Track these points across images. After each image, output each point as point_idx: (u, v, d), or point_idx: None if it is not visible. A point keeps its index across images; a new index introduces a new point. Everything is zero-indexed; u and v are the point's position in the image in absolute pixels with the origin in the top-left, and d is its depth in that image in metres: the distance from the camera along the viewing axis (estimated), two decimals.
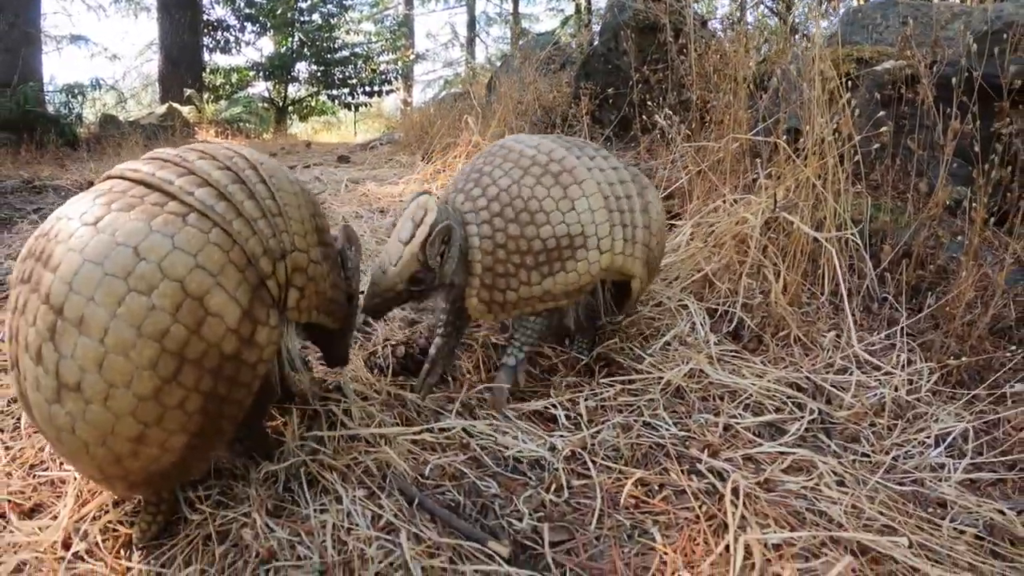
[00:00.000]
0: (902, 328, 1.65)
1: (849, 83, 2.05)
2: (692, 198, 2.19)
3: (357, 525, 0.91)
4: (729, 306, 1.71)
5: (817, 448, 1.24)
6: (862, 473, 1.17)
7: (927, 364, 1.55)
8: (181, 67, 12.33)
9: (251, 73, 14.58)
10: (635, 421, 1.25)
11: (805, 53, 2.15)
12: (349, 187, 3.64)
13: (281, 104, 15.05)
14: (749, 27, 3.78)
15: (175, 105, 11.26)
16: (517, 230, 1.24)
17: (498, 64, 15.96)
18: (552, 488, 1.04)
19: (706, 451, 1.17)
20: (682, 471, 1.11)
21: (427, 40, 20.34)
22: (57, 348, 0.81)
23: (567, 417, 1.26)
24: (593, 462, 1.11)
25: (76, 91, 10.76)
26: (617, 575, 0.87)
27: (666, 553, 0.91)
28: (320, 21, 14.86)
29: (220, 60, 14.38)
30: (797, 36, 3.12)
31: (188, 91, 11.88)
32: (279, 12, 14.07)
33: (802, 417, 1.32)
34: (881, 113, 1.82)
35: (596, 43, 4.35)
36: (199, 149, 1.02)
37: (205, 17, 13.91)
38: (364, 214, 2.87)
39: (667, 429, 1.23)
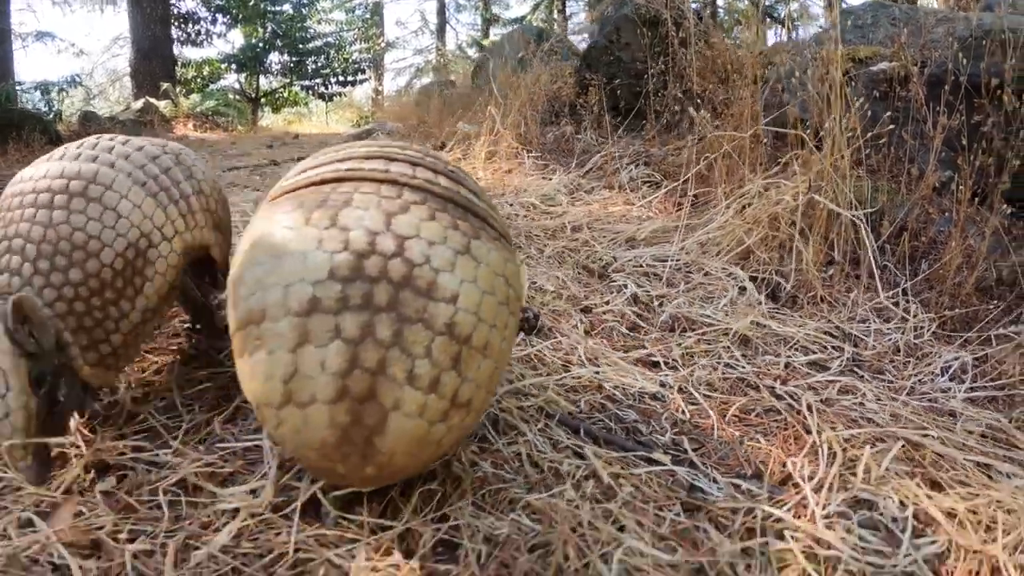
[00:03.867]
0: (903, 289, 2.04)
1: (848, 80, 2.44)
2: (719, 182, 2.56)
3: (543, 451, 1.23)
4: (767, 273, 2.09)
5: (855, 377, 1.61)
6: (891, 394, 1.54)
7: (927, 315, 1.93)
8: (153, 61, 12.25)
9: (223, 65, 14.52)
10: (717, 363, 1.60)
11: (813, 53, 2.52)
12: None
13: (254, 96, 15.01)
14: (721, 11, 4.13)
15: (151, 100, 11.25)
16: (78, 273, 1.06)
17: (471, 51, 16.21)
18: (677, 411, 1.39)
19: (777, 381, 1.53)
20: (764, 396, 1.47)
21: (397, 28, 20.41)
22: (461, 374, 0.86)
23: (664, 363, 1.61)
24: (697, 392, 1.46)
25: (57, 88, 10.74)
26: (741, 466, 1.22)
27: (771, 450, 1.27)
28: (291, 11, 14.83)
29: (191, 53, 14.31)
30: (796, 35, 3.47)
31: (164, 85, 11.85)
32: (250, 3, 14.01)
33: (840, 356, 1.70)
34: (887, 114, 2.19)
35: (597, 36, 4.66)
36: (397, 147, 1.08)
37: (175, 9, 13.79)
38: None
39: (743, 367, 1.59)
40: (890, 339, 1.82)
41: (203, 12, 14.14)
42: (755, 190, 2.31)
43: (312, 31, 15.29)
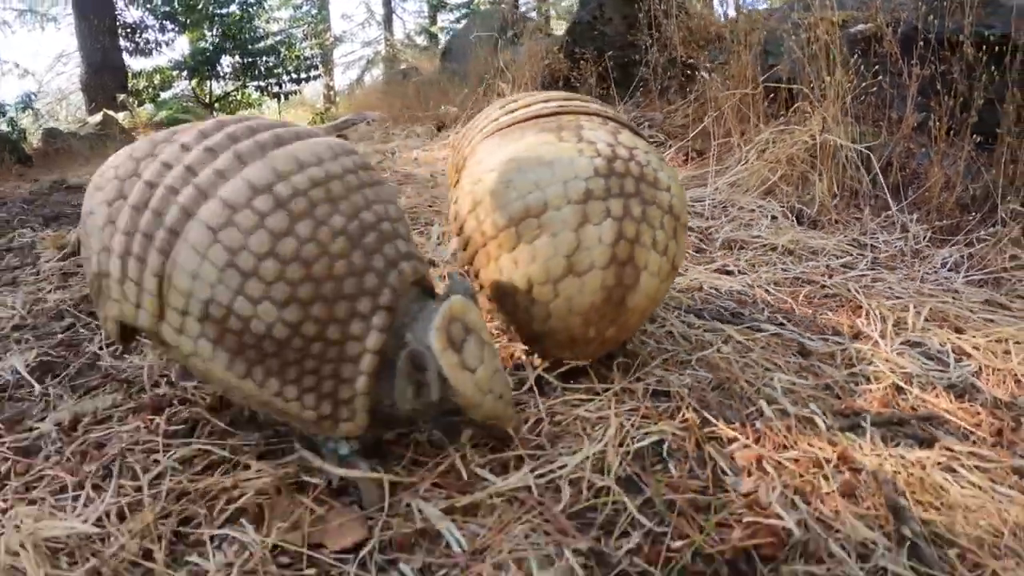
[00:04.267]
0: (898, 210, 2.51)
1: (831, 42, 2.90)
2: (734, 132, 3.00)
3: (686, 330, 1.62)
4: (791, 203, 2.54)
5: (877, 272, 2.06)
6: (909, 281, 2.00)
7: (921, 227, 2.40)
8: (104, 74, 12.06)
9: (174, 72, 14.38)
10: (774, 268, 2.04)
11: (801, 20, 2.97)
12: (391, 156, 4.20)
13: (208, 101, 14.89)
14: None
15: (109, 113, 11.17)
16: None
17: (420, 39, 16.45)
18: (762, 300, 1.81)
19: (824, 276, 1.97)
20: (819, 287, 1.90)
21: (343, 21, 20.33)
22: (678, 243, 1.22)
23: (736, 270, 2.04)
24: (767, 290, 1.89)
25: (15, 108, 10.63)
26: (823, 330, 1.65)
27: (839, 319, 1.70)
28: (239, 12, 14.73)
29: (141, 63, 14.11)
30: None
31: (121, 96, 11.73)
32: (198, 7, 13.90)
33: (863, 259, 2.15)
34: (875, 67, 2.64)
35: (581, 12, 4.99)
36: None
37: (121, 20, 13.57)
38: (441, 174, 3.49)
39: (795, 270, 2.03)
40: (896, 246, 2.28)
41: (150, 20, 13.93)
42: (769, 137, 2.75)
43: (261, 31, 15.21)
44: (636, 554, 0.89)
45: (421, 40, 16.60)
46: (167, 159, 0.97)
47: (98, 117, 11.08)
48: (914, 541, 0.94)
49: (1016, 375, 1.49)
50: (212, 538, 0.91)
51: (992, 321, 1.75)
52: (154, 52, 14.30)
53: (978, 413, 1.33)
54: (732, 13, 4.09)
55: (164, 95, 14.13)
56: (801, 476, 1.06)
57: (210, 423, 1.19)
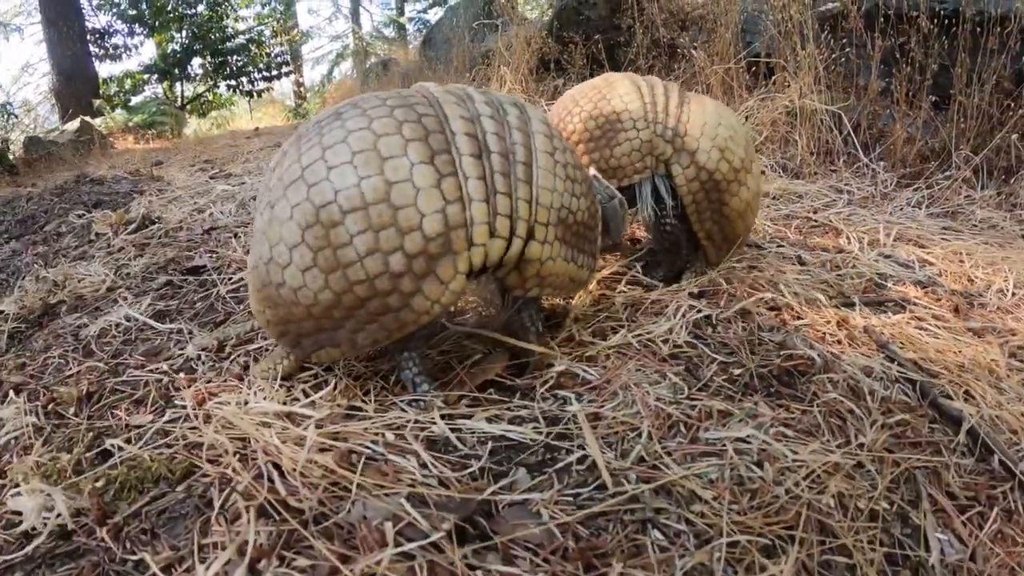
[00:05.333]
0: (867, 162, 2.91)
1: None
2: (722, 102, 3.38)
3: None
4: (775, 159, 2.92)
5: (852, 209, 2.45)
6: (880, 215, 2.39)
7: (888, 175, 2.80)
8: (76, 80, 11.97)
9: (145, 76, 14.32)
10: (768, 209, 2.42)
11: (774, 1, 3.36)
12: None
13: (180, 103, 14.84)
14: None
15: (86, 119, 11.15)
16: None
17: (388, 31, 16.60)
18: (763, 231, 2.18)
19: (810, 213, 2.35)
20: (807, 220, 2.28)
21: (310, 17, 20.22)
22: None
23: None
24: (767, 222, 2.26)
25: (3, 114, 10.65)
26: (813, 248, 2.03)
27: (825, 241, 2.08)
28: (208, 13, 14.71)
29: (111, 68, 14.02)
30: None
31: (96, 102, 11.70)
32: (167, 9, 13.86)
33: (841, 200, 2.54)
34: (843, 40, 3.04)
35: None
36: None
37: (90, 25, 13.48)
38: None
39: (783, 210, 2.41)
40: (868, 190, 2.68)
41: (119, 25, 13.85)
42: (753, 105, 3.14)
43: (230, 30, 15.21)
44: (715, 375, 1.25)
45: (389, 32, 16.77)
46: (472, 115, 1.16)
47: (75, 124, 11.09)
48: (900, 361, 1.32)
49: (969, 276, 1.88)
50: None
51: (948, 241, 2.14)
52: (123, 56, 14.22)
53: (940, 298, 1.71)
54: None
55: (135, 99, 14.09)
56: (814, 331, 1.44)
57: None
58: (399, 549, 0.83)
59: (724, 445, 1.05)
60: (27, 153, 8.88)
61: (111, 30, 13.82)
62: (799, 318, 1.51)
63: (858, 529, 0.90)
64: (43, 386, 1.42)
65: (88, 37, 13.00)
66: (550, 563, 0.83)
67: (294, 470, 0.97)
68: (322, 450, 1.03)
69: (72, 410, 1.30)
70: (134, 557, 0.87)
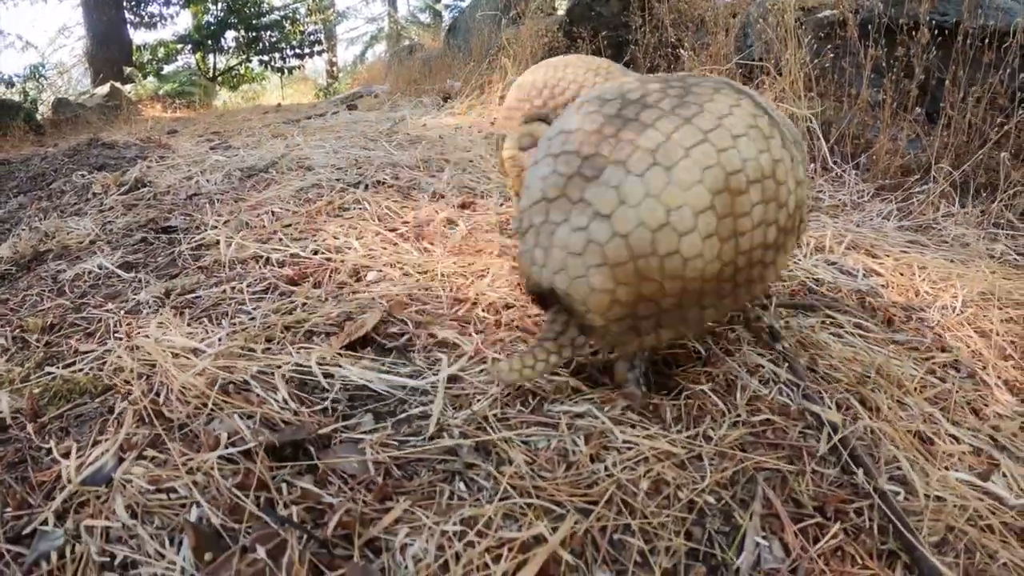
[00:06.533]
0: (847, 170, 2.84)
1: (800, 25, 3.23)
2: None
3: None
4: None
5: (817, 216, 2.39)
6: (844, 225, 2.33)
7: (867, 185, 2.73)
8: (109, 46, 12.16)
9: (178, 46, 14.50)
10: None
11: (772, 5, 3.29)
12: (401, 122, 4.49)
13: (211, 75, 15.02)
14: None
15: (116, 85, 11.34)
16: None
17: (424, 16, 16.63)
18: None
19: None
20: None
21: None
22: None
23: None
24: None
25: (24, 79, 10.85)
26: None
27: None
28: None
29: (145, 35, 14.22)
30: None
31: (128, 69, 11.87)
32: None
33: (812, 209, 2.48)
34: (828, 46, 2.97)
35: None
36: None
37: None
38: (449, 136, 3.81)
39: None
40: (840, 198, 2.61)
41: None
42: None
43: (265, 5, 15.34)
44: (588, 356, 1.22)
45: (425, 17, 16.80)
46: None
47: (105, 89, 11.29)
48: (789, 357, 1.28)
49: (916, 289, 1.82)
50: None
51: (906, 253, 2.08)
52: (158, 25, 14.42)
53: (875, 308, 1.66)
54: None
55: (167, 68, 14.28)
56: (714, 329, 1.40)
57: (278, 287, 1.62)
58: (220, 452, 0.99)
59: (559, 418, 1.04)
60: (55, 114, 9.05)
61: None
62: None
63: (669, 516, 0.87)
64: (17, 317, 1.65)
65: (124, 4, 13.21)
66: (354, 491, 0.94)
67: (179, 390, 1.15)
68: (201, 375, 1.20)
69: (35, 336, 1.51)
70: (46, 446, 1.07)
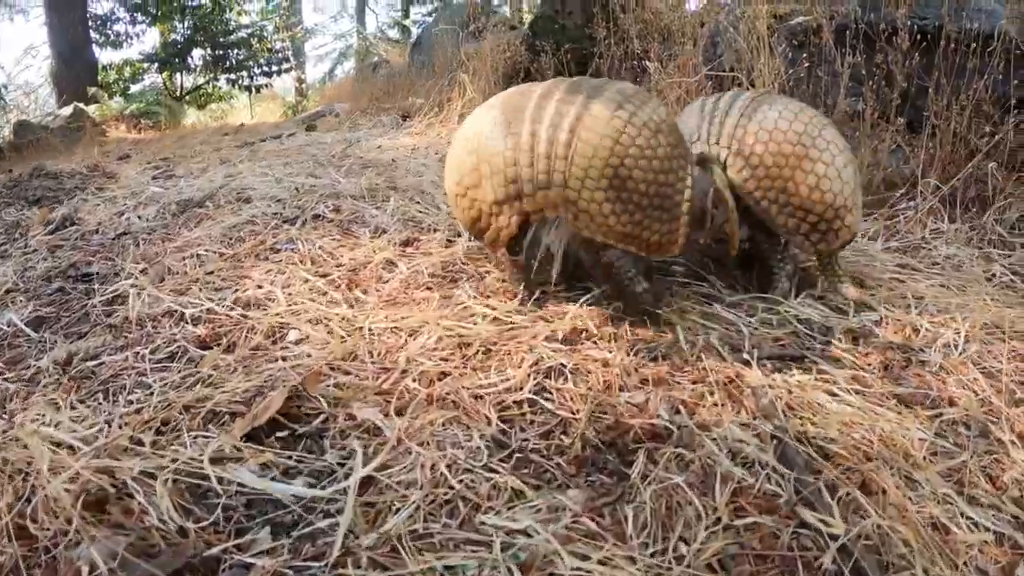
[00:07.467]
0: None
1: (772, 33, 3.04)
2: None
3: None
4: None
5: None
6: None
7: None
8: (75, 66, 11.91)
9: (145, 65, 14.23)
10: None
11: (742, 13, 3.11)
12: (356, 144, 4.27)
13: (179, 94, 14.75)
14: None
15: (80, 106, 11.03)
16: None
17: (392, 32, 16.40)
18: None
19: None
20: None
21: (315, 14, 20.12)
22: None
23: None
24: None
25: None
26: (735, 286, 1.77)
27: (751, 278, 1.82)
28: (210, 5, 14.62)
29: (112, 55, 13.95)
30: None
31: (92, 89, 11.60)
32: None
33: None
34: (803, 55, 2.78)
35: (542, 7, 5.10)
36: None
37: (92, 12, 13.42)
38: (402, 159, 3.59)
39: None
40: None
41: (121, 12, 13.78)
42: None
43: (232, 23, 15.10)
44: (536, 440, 1.00)
45: (394, 33, 16.58)
46: None
47: (69, 110, 10.96)
48: (782, 440, 1.06)
49: (914, 325, 1.62)
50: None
51: (900, 281, 1.88)
52: (124, 44, 14.15)
53: (869, 352, 1.46)
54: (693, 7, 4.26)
55: (134, 88, 13.98)
56: (691, 392, 1.18)
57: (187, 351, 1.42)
58: None
59: (492, 536, 0.84)
60: (16, 137, 8.71)
61: (114, 17, 13.74)
62: (678, 371, 1.26)
63: None
64: None
65: (90, 23, 12.93)
66: None
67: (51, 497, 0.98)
68: (75, 480, 1.02)
69: None
70: None
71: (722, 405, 1.16)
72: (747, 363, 1.31)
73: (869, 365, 1.41)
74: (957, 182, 2.44)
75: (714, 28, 3.48)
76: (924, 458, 1.13)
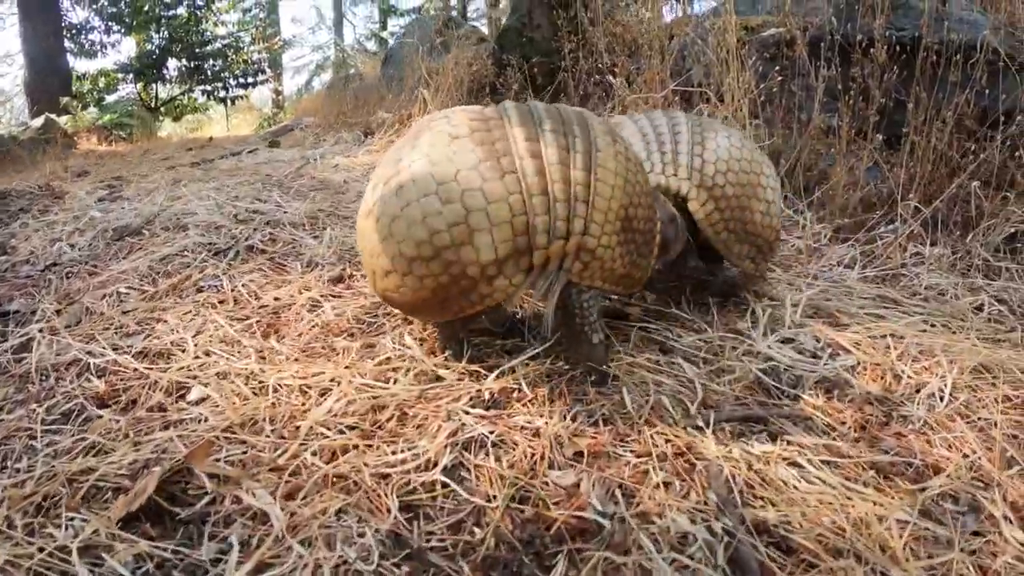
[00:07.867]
0: (801, 208, 2.49)
1: (743, 46, 2.89)
2: None
3: None
4: None
5: (779, 271, 2.03)
6: (799, 279, 1.97)
7: (822, 225, 2.38)
8: (49, 76, 11.71)
9: (119, 75, 14.02)
10: None
11: (711, 25, 2.96)
12: (313, 162, 4.09)
13: (153, 105, 14.54)
14: None
15: (51, 116, 10.81)
16: None
17: (370, 44, 16.24)
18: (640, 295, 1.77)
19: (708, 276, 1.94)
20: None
21: (293, 25, 19.94)
22: None
23: None
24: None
25: None
26: (690, 327, 1.60)
27: (723, 314, 1.66)
28: (186, 14, 14.44)
29: (86, 65, 13.74)
30: (692, 10, 3.92)
31: (64, 100, 11.38)
32: (145, 8, 13.58)
33: None
34: (775, 68, 2.64)
35: (510, 19, 4.95)
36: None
37: (67, 21, 13.22)
38: (355, 180, 3.41)
39: None
40: (794, 244, 2.26)
41: (96, 22, 13.55)
42: None
43: (208, 34, 14.92)
44: (441, 536, 0.83)
45: (371, 45, 16.42)
46: None
47: (40, 121, 10.71)
48: (735, 537, 0.89)
49: (895, 371, 1.45)
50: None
51: (879, 317, 1.72)
52: (99, 54, 13.93)
53: (842, 410, 1.29)
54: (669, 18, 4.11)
55: (109, 98, 13.75)
56: (633, 469, 1.01)
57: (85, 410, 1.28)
58: None
59: None
60: None
61: (88, 26, 13.52)
62: (621, 440, 1.08)
63: None
64: None
65: (64, 33, 12.71)
66: None
67: None
68: None
69: None
70: None
71: (668, 486, 0.98)
72: (701, 428, 1.14)
73: (843, 424, 1.25)
74: (940, 203, 2.29)
75: (683, 41, 3.33)
76: (904, 547, 0.96)
